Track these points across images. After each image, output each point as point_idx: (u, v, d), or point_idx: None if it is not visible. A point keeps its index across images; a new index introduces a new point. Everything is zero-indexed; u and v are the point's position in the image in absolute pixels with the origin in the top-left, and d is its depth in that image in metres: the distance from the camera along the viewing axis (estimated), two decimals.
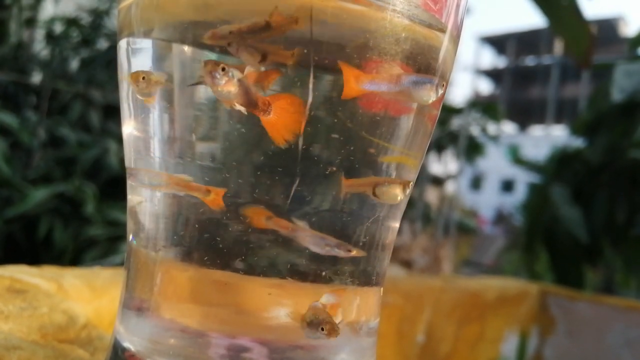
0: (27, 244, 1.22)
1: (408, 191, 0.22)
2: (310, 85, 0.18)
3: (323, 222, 0.19)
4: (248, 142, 0.19)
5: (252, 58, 0.18)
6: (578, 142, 1.29)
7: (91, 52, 1.69)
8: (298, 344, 0.20)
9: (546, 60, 17.82)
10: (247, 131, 0.18)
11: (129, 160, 0.22)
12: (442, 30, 0.21)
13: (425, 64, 0.20)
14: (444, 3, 0.20)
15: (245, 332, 0.19)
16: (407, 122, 0.20)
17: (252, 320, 0.19)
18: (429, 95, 0.19)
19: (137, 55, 0.20)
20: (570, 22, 0.53)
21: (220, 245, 0.19)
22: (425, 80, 0.19)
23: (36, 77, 1.67)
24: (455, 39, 0.22)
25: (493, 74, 19.96)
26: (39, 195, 1.17)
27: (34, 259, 1.20)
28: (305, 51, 0.18)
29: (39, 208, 1.17)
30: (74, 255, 1.17)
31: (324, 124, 0.19)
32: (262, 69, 0.18)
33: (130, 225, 0.22)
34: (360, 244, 0.21)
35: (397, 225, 0.23)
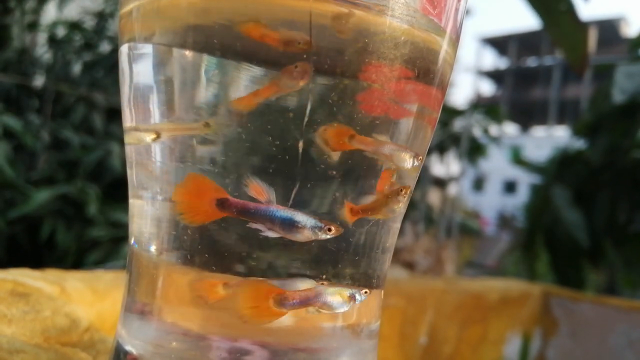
0: (30, 246, 1.22)
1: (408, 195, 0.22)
2: (310, 89, 0.18)
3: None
4: (248, 145, 0.19)
5: None
6: (579, 143, 1.29)
7: (94, 56, 1.70)
8: (299, 346, 0.20)
9: (548, 61, 17.80)
10: (248, 135, 0.18)
11: (130, 164, 0.22)
12: (441, 34, 0.21)
13: (424, 67, 0.20)
14: (443, 7, 0.20)
15: (246, 335, 0.19)
16: (407, 125, 0.21)
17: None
18: (347, 306, 0.19)
19: (138, 60, 0.21)
20: (568, 27, 0.53)
21: (221, 248, 0.19)
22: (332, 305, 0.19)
23: (39, 81, 1.67)
24: (455, 42, 0.22)
25: (495, 75, 19.94)
26: (42, 197, 1.18)
27: (36, 260, 1.20)
28: (305, 55, 0.18)
29: (42, 210, 1.18)
30: (76, 257, 1.17)
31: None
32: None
33: (131, 229, 0.22)
34: (361, 246, 0.21)
35: (397, 227, 0.23)
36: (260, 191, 0.18)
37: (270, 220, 0.18)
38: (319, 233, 0.18)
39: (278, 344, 0.19)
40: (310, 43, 0.18)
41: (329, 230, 0.18)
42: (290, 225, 0.18)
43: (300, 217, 0.18)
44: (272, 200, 0.18)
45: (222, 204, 0.18)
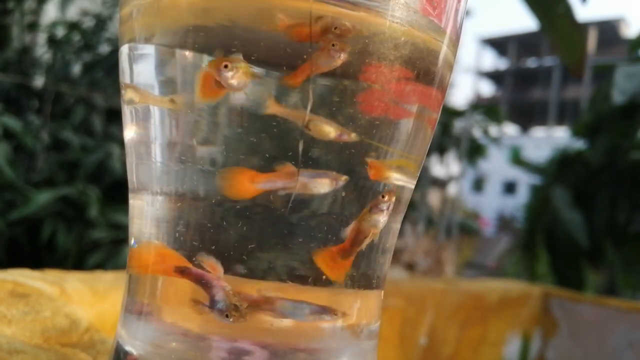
0: (31, 247, 1.22)
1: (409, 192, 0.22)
2: (310, 89, 0.18)
3: (322, 226, 0.19)
4: (249, 146, 0.19)
5: None
6: (579, 144, 1.29)
7: (93, 56, 1.70)
8: (299, 347, 0.20)
9: (548, 61, 17.81)
10: (249, 136, 0.18)
11: (130, 165, 0.22)
12: (441, 35, 0.21)
13: (424, 68, 0.20)
14: (443, 8, 0.20)
15: (246, 336, 0.19)
16: (406, 126, 0.21)
17: (253, 324, 0.19)
18: (329, 187, 0.19)
19: (138, 61, 0.21)
20: (565, 29, 0.53)
21: (221, 249, 0.19)
22: (321, 175, 0.19)
23: (38, 81, 1.67)
24: (455, 42, 0.22)
25: (494, 76, 19.96)
26: (43, 198, 1.18)
27: (37, 262, 1.20)
28: (305, 56, 0.18)
29: (42, 211, 1.17)
30: (77, 259, 1.17)
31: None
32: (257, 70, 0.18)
33: (131, 230, 0.22)
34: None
35: (397, 227, 0.23)
36: (213, 266, 0.19)
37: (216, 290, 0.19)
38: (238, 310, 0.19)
39: (278, 345, 0.19)
40: (310, 44, 0.18)
41: (240, 316, 0.19)
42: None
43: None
44: (221, 275, 0.19)
45: (181, 271, 0.19)
